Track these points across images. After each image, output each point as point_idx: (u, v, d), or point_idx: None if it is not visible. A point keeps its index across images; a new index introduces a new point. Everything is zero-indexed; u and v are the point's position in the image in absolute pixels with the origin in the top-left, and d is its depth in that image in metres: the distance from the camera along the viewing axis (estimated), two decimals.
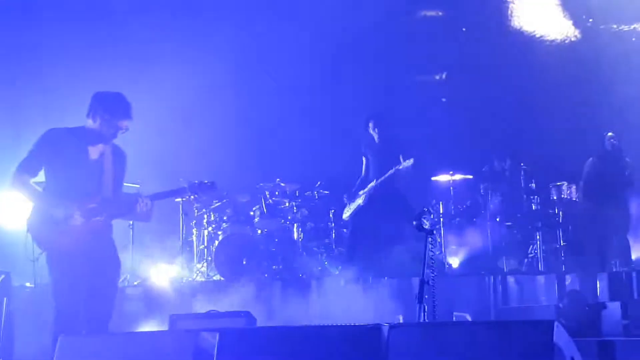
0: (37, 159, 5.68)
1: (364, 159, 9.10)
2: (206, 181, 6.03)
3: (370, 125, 8.99)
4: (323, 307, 7.66)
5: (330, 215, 9.83)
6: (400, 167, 8.58)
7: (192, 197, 9.36)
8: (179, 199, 9.61)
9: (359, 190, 9.00)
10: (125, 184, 6.19)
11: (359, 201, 8.90)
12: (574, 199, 9.27)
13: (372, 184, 8.83)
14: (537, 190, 9.45)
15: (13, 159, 6.01)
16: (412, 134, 9.52)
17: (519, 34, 10.50)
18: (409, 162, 8.53)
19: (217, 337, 4.21)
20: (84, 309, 5.62)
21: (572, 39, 10.38)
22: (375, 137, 8.96)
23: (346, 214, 9.15)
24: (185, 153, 10.22)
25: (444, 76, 11.55)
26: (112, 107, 5.73)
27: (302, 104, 10.70)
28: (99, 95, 5.79)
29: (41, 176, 5.81)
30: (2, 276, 7.23)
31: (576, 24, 10.40)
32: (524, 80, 10.36)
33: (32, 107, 9.56)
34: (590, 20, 10.50)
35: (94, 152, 5.78)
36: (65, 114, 6.26)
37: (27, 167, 5.67)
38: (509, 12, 10.54)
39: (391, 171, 8.63)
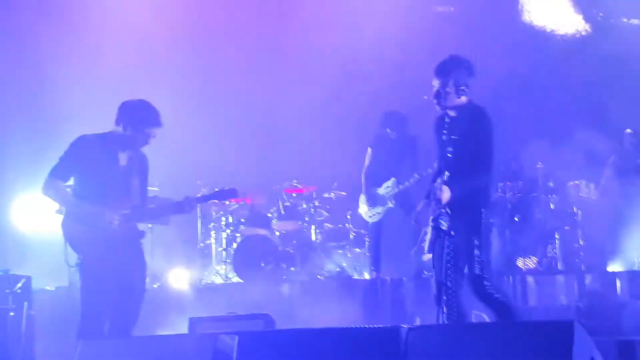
0: (69, 164, 5.77)
1: (370, 149, 9.06)
2: (226, 188, 6.22)
3: (387, 122, 9.00)
4: (341, 308, 7.66)
5: (348, 216, 9.83)
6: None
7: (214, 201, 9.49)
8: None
9: (372, 187, 8.94)
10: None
11: (389, 204, 8.85)
12: (593, 198, 9.22)
13: (390, 182, 8.77)
14: (555, 189, 9.40)
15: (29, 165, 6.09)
16: (426, 134, 9.48)
17: (530, 29, 10.42)
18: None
19: (236, 340, 4.23)
20: (111, 313, 5.69)
21: (583, 33, 10.29)
22: (392, 134, 8.95)
23: (373, 218, 9.03)
24: (202, 156, 10.24)
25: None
26: (141, 116, 5.83)
27: (317, 105, 10.67)
28: (128, 105, 5.88)
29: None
30: (23, 280, 7.29)
31: (586, 18, 10.31)
32: (537, 77, 10.28)
33: (47, 109, 9.60)
34: (601, 14, 10.41)
35: (123, 158, 5.88)
36: (92, 119, 6.31)
37: (59, 173, 5.77)
38: (519, 6, 10.46)
39: (416, 177, 8.61)
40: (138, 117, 5.82)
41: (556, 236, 9.03)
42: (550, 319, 7.00)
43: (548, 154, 9.65)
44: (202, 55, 10.54)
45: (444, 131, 5.59)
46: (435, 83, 5.57)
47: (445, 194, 5.28)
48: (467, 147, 5.47)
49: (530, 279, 8.36)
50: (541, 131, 10.06)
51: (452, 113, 5.60)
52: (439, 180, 5.36)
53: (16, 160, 9.14)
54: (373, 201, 8.94)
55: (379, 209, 8.90)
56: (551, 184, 9.41)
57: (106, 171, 5.79)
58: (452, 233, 5.32)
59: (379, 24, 10.35)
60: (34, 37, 9.88)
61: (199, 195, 7.47)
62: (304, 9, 10.63)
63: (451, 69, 5.54)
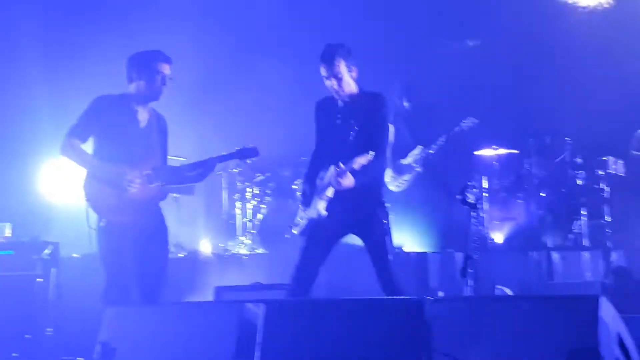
0: (88, 125, 5.66)
1: (391, 126, 9.01)
2: (250, 145, 6.07)
3: (401, 93, 8.96)
4: (365, 280, 7.66)
5: None
6: (464, 124, 8.59)
7: (236, 170, 9.46)
8: (220, 172, 9.68)
9: (399, 159, 8.88)
10: (170, 157, 6.24)
11: (417, 168, 8.79)
12: (620, 174, 9.12)
13: (417, 150, 8.71)
14: (582, 165, 9.30)
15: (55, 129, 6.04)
16: (451, 106, 9.39)
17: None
18: (472, 120, 8.56)
19: (263, 308, 4.24)
20: (136, 278, 5.65)
21: (605, 5, 10.09)
22: (408, 105, 8.92)
23: (401, 186, 8.96)
24: (226, 127, 10.22)
25: (478, 43, 11.29)
26: (148, 55, 5.77)
27: None
28: (133, 55, 5.81)
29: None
30: (51, 247, 7.33)
31: None
32: (564, 49, 10.09)
33: (72, 76, 9.59)
34: None
35: (142, 117, 5.80)
36: (117, 86, 6.28)
37: (77, 133, 5.65)
38: None
39: (443, 140, 8.58)
40: (144, 58, 5.75)
41: (582, 212, 8.96)
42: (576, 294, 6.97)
43: (576, 129, 9.54)
44: (226, 18, 10.44)
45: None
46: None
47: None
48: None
49: (555, 255, 8.31)
50: (569, 105, 9.94)
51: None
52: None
53: (41, 128, 9.18)
54: (399, 170, 8.88)
55: (406, 177, 8.85)
56: (579, 160, 9.31)
57: (126, 132, 5.68)
58: None
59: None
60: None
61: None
62: None
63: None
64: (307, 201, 5.65)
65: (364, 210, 5.55)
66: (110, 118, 5.65)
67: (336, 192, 5.44)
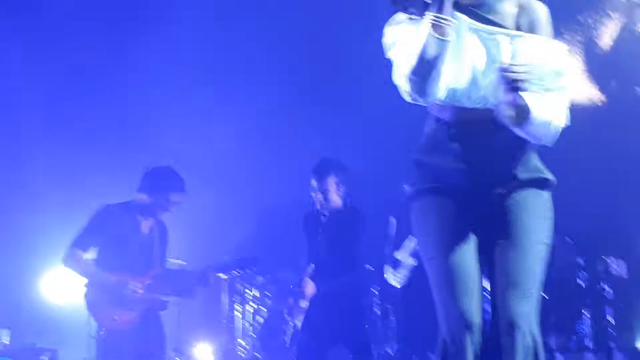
0: (91, 236, 5.83)
1: (394, 220, 8.96)
2: (248, 256, 6.37)
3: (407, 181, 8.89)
4: None
5: (375, 292, 9.71)
6: None
7: (236, 272, 9.49)
8: (224, 276, 9.65)
9: (394, 253, 8.81)
10: (170, 259, 6.34)
11: (410, 261, 8.66)
12: (623, 276, 9.06)
13: (408, 242, 8.64)
14: (584, 266, 9.23)
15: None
16: None
17: None
18: None
19: None
20: None
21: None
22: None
23: (402, 282, 8.81)
24: (224, 229, 10.23)
25: None
26: (164, 182, 5.90)
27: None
28: (151, 172, 5.96)
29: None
30: (48, 353, 7.30)
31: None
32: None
33: (79, 180, 9.64)
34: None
35: (145, 227, 5.94)
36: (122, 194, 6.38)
37: (80, 244, 5.87)
38: None
39: None
40: (160, 183, 5.91)
41: (586, 314, 8.86)
42: None
43: (577, 229, 9.45)
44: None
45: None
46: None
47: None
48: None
49: (560, 358, 8.20)
50: (568, 203, 9.79)
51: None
52: None
53: (46, 234, 9.21)
54: (395, 264, 8.80)
55: (403, 271, 8.75)
56: (580, 260, 9.25)
57: (129, 241, 5.85)
58: None
59: None
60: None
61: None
62: None
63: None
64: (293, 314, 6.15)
65: (347, 319, 5.87)
66: (114, 228, 5.81)
67: (318, 301, 5.87)
